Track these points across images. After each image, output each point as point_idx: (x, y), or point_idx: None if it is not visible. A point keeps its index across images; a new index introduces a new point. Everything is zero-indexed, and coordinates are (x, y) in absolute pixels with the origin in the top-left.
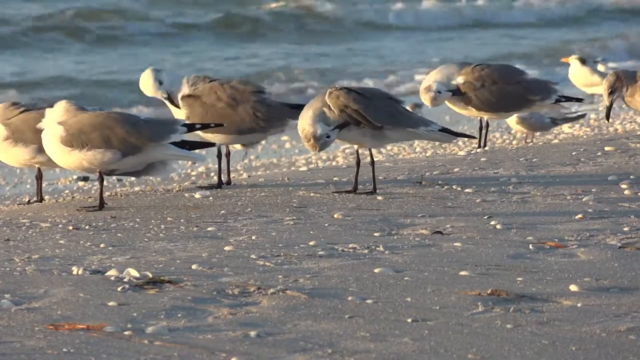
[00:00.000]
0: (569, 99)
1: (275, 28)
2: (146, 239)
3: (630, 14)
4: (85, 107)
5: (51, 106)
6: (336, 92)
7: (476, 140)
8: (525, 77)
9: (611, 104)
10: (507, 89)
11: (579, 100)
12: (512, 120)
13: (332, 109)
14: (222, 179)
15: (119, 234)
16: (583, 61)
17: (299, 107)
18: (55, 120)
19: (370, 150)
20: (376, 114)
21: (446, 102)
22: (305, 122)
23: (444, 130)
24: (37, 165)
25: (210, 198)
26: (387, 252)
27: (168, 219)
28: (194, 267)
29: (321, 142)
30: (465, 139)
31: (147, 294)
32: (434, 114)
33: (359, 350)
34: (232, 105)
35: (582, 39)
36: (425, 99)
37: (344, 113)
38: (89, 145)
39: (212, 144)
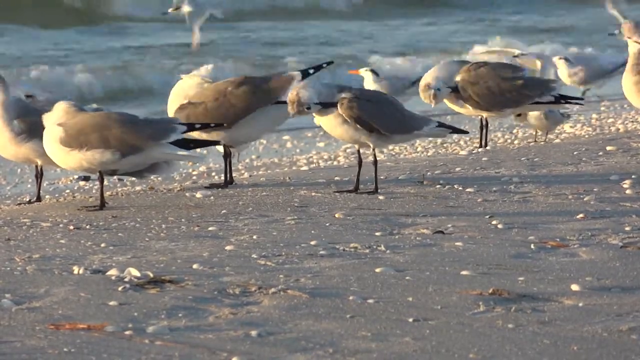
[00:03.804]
0: (566, 97)
1: None
2: (147, 239)
3: None
4: (84, 107)
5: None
6: (349, 102)
7: (477, 140)
8: (523, 74)
9: None
10: (504, 86)
11: (580, 99)
12: (534, 116)
13: (346, 118)
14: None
15: (119, 234)
16: (375, 73)
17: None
18: (54, 122)
19: (373, 150)
20: (387, 123)
21: (446, 101)
22: (300, 84)
23: (441, 125)
24: (39, 163)
25: (212, 197)
26: (388, 251)
27: (169, 218)
28: (195, 266)
29: (299, 109)
30: (467, 138)
31: (148, 294)
32: (436, 114)
33: (360, 350)
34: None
35: None
36: (425, 97)
37: (358, 123)
38: (87, 146)
39: (214, 142)
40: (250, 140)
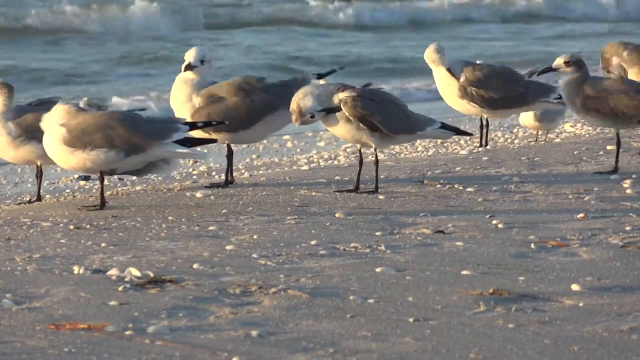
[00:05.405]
0: None
1: None
2: (147, 238)
3: None
4: (83, 108)
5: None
6: (352, 102)
7: (478, 139)
8: (524, 77)
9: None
10: (508, 87)
11: None
12: (529, 118)
13: (349, 117)
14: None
15: (120, 233)
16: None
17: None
18: (56, 122)
19: (375, 150)
20: (391, 123)
21: (448, 102)
22: (299, 94)
23: (444, 126)
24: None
25: (212, 197)
26: (388, 251)
27: (169, 218)
28: (195, 266)
29: (302, 120)
30: (467, 138)
31: (149, 294)
32: (437, 115)
33: (360, 350)
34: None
35: None
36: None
37: (361, 122)
38: (92, 145)
39: (213, 141)
40: (254, 141)
